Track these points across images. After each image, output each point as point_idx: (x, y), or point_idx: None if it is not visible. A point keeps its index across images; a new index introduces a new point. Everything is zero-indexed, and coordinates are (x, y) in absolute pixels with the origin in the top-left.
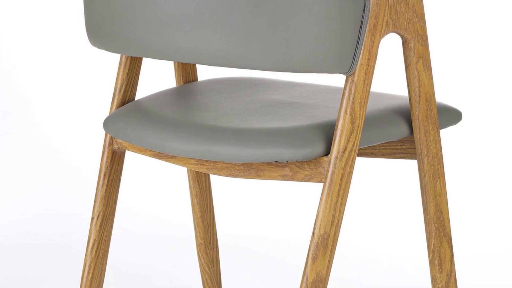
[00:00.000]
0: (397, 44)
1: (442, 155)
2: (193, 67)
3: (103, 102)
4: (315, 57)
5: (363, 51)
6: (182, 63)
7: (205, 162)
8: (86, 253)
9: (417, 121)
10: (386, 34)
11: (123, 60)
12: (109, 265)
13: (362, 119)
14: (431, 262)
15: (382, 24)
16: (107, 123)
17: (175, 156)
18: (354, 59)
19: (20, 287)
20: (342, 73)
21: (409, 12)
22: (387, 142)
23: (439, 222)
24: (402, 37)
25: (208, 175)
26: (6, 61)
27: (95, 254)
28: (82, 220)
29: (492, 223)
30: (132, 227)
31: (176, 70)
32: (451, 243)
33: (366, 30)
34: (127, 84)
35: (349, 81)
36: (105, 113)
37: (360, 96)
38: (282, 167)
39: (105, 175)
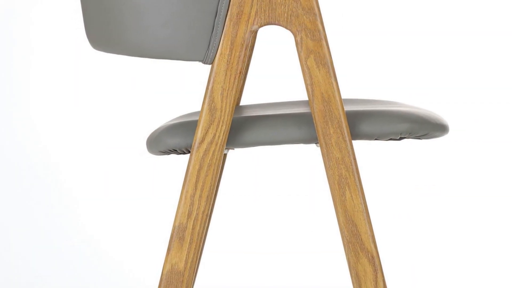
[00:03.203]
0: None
1: (352, 161)
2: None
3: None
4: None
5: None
6: None
7: None
8: None
9: (315, 121)
10: (258, 24)
11: None
12: None
13: (224, 111)
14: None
15: (250, 13)
16: None
17: None
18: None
19: None
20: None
21: (290, 4)
22: None
23: (353, 236)
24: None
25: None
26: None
27: None
28: None
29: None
30: None
31: None
32: (375, 261)
33: (227, 19)
34: None
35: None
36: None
37: (222, 87)
38: None
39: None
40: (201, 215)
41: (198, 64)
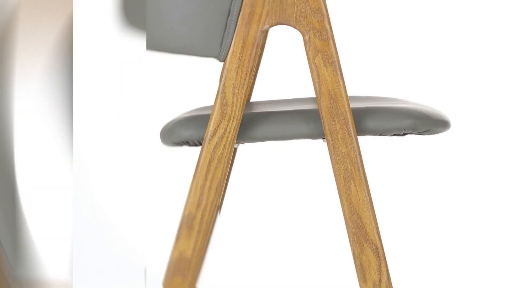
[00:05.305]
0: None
1: (357, 156)
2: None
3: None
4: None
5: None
6: None
7: None
8: None
9: (322, 117)
10: (268, 24)
11: None
12: None
13: (235, 107)
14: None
15: (261, 13)
16: None
17: None
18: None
19: None
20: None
21: (299, 4)
22: None
23: (357, 228)
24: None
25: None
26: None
27: None
28: None
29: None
30: None
31: None
32: (379, 251)
33: (240, 18)
34: None
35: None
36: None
37: (233, 84)
38: None
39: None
40: (210, 205)
41: (214, 60)
